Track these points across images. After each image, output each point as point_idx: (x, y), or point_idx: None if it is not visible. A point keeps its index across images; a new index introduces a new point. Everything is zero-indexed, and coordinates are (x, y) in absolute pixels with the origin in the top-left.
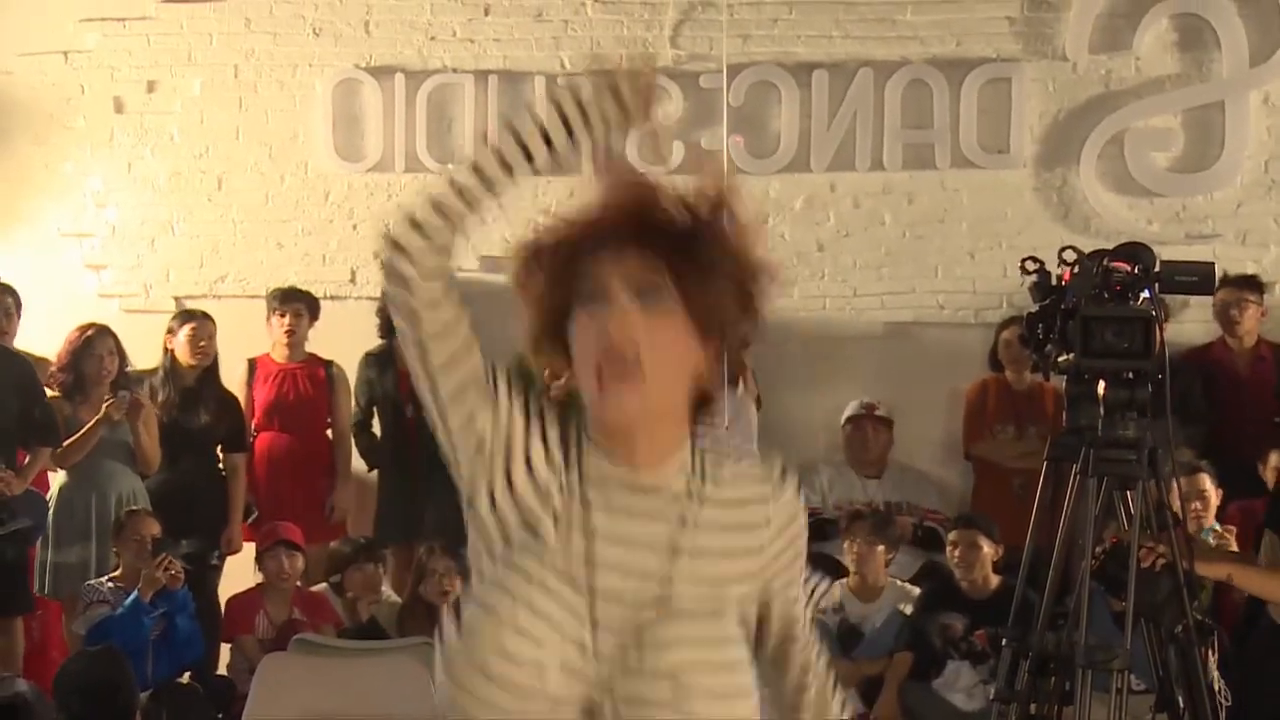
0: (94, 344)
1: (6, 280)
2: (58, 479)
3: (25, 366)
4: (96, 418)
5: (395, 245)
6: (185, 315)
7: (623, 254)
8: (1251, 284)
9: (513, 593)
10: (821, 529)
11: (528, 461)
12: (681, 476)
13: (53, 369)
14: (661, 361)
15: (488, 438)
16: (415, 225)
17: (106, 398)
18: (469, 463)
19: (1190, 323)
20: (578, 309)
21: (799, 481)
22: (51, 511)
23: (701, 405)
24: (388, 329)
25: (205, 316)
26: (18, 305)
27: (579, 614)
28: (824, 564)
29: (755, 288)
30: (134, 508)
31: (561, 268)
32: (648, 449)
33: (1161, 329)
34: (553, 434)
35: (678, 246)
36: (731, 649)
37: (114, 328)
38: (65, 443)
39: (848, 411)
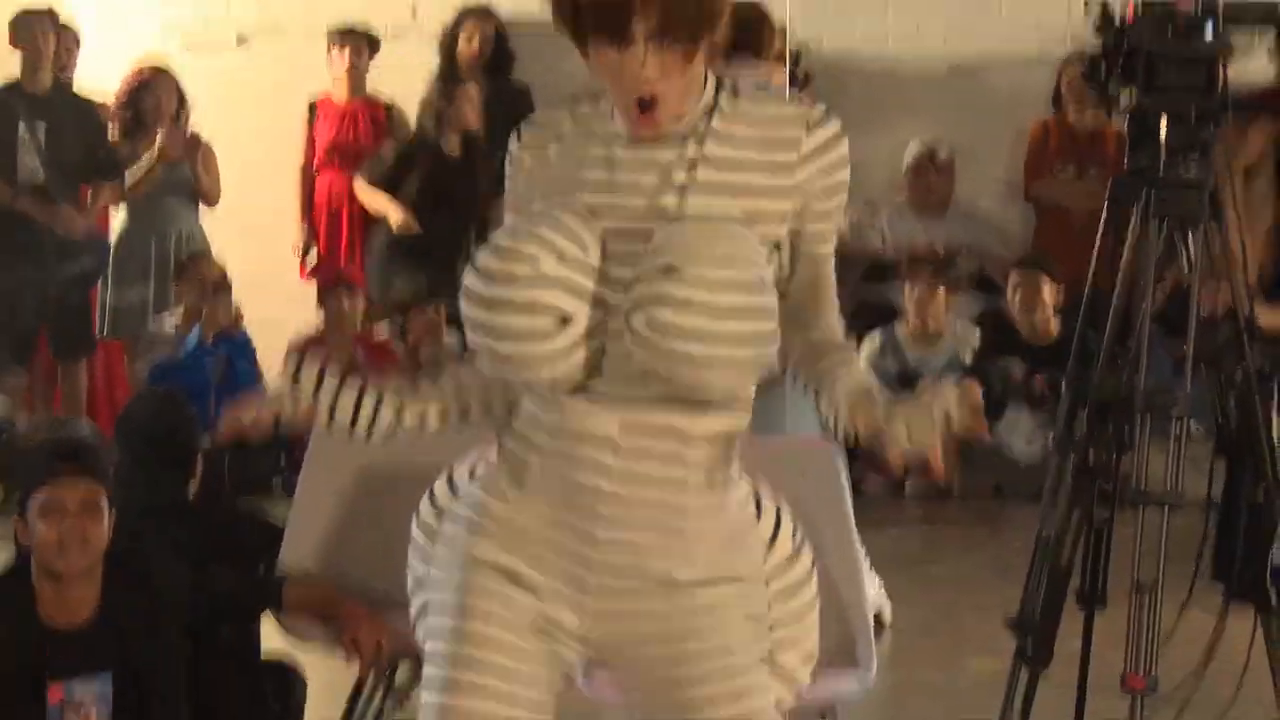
0: (152, 83)
1: (66, 14)
2: (119, 220)
3: (86, 106)
4: (153, 153)
5: None
6: None
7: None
8: None
9: (519, 213)
10: (880, 271)
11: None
12: (698, 117)
13: (112, 108)
14: (677, 88)
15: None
16: None
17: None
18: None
19: (1258, 61)
20: (593, 44)
21: (839, 129)
22: (112, 252)
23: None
24: (449, 70)
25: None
26: (77, 43)
27: (582, 220)
28: (880, 309)
29: None
30: (195, 249)
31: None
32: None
33: (1225, 66)
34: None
35: None
36: (730, 244)
37: (173, 62)
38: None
39: (909, 152)
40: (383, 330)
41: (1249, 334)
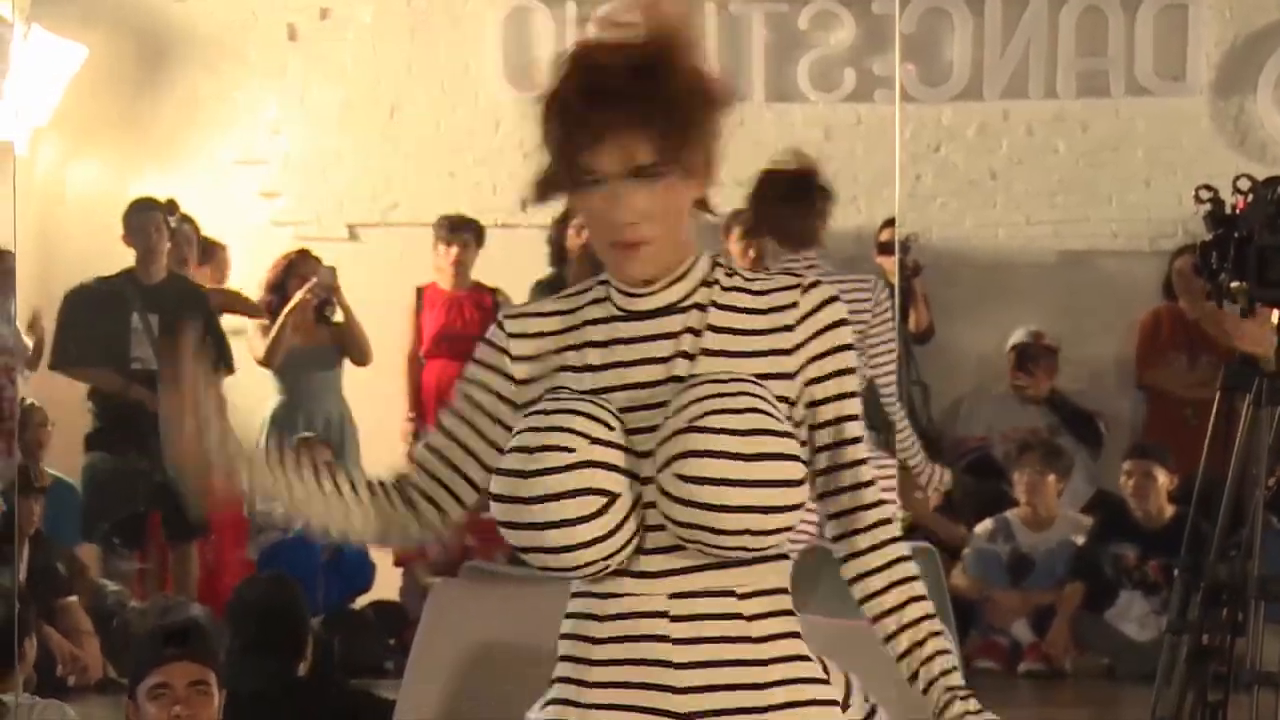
0: (296, 266)
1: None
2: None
3: (199, 295)
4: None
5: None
6: None
7: (614, 131)
8: None
9: (531, 412)
10: (987, 462)
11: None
12: (697, 289)
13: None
14: (661, 224)
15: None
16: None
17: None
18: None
19: None
20: (580, 187)
21: (833, 294)
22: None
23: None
24: (558, 257)
25: None
26: (198, 236)
27: (600, 403)
28: (994, 497)
29: (718, 109)
30: (306, 434)
31: (560, 145)
32: (661, 272)
33: None
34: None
35: (660, 117)
36: (749, 398)
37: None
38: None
39: (1013, 339)
40: None
41: None
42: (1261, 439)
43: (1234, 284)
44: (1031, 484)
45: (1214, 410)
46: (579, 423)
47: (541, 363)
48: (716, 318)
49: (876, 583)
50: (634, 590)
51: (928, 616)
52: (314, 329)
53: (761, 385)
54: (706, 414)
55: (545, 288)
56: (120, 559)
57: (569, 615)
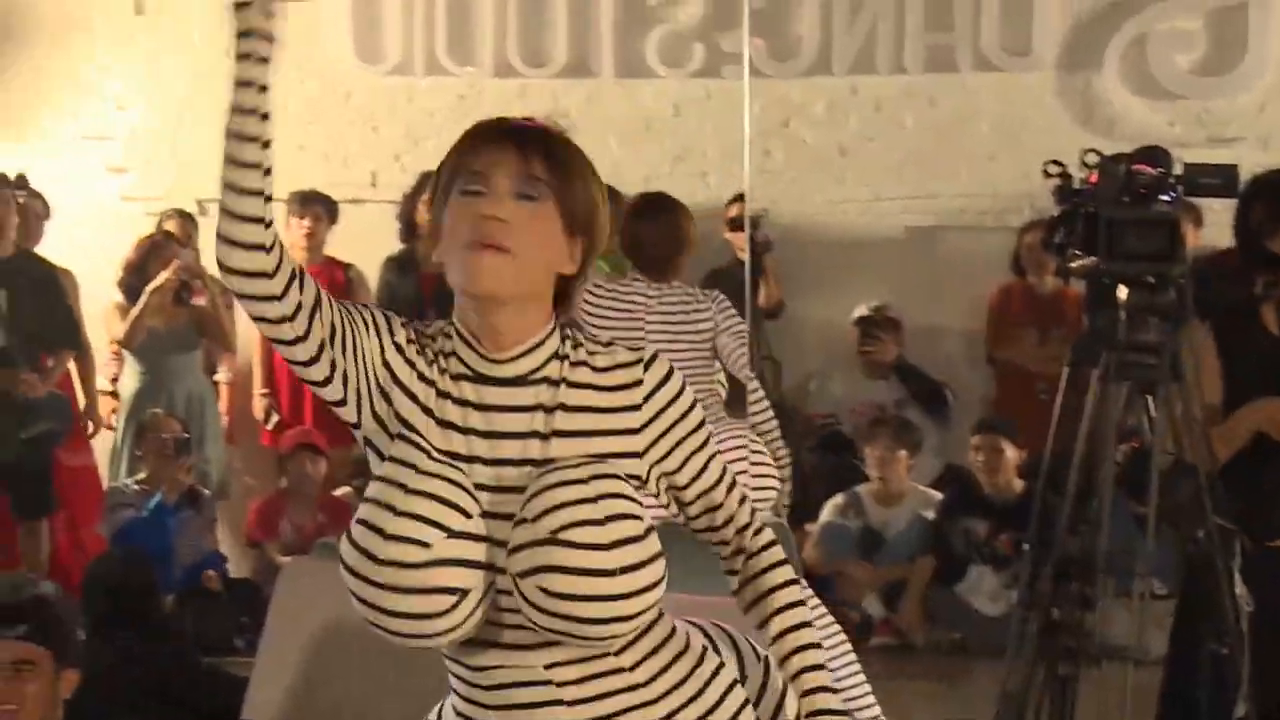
0: (158, 249)
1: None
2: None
3: (49, 273)
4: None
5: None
6: None
7: (502, 151)
8: None
9: (390, 478)
10: (837, 438)
11: (395, 380)
12: (548, 363)
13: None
14: (531, 244)
15: (360, 363)
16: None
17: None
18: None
19: (1212, 226)
20: (454, 198)
21: (670, 366)
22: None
23: (561, 300)
24: (409, 232)
25: None
26: (47, 211)
27: (459, 482)
28: (842, 472)
29: (600, 185)
30: (155, 409)
31: (451, 172)
32: (515, 331)
33: (1183, 231)
34: (419, 349)
35: (549, 151)
36: (611, 502)
37: (135, 231)
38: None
39: (855, 313)
40: (345, 491)
41: (1210, 493)
42: (1110, 414)
43: (1081, 260)
44: (882, 459)
45: (1062, 385)
46: (437, 511)
47: (406, 387)
48: (567, 395)
49: (763, 612)
50: (506, 663)
51: (805, 647)
52: (173, 311)
53: (613, 466)
54: (568, 526)
55: (396, 263)
56: None
57: (453, 682)
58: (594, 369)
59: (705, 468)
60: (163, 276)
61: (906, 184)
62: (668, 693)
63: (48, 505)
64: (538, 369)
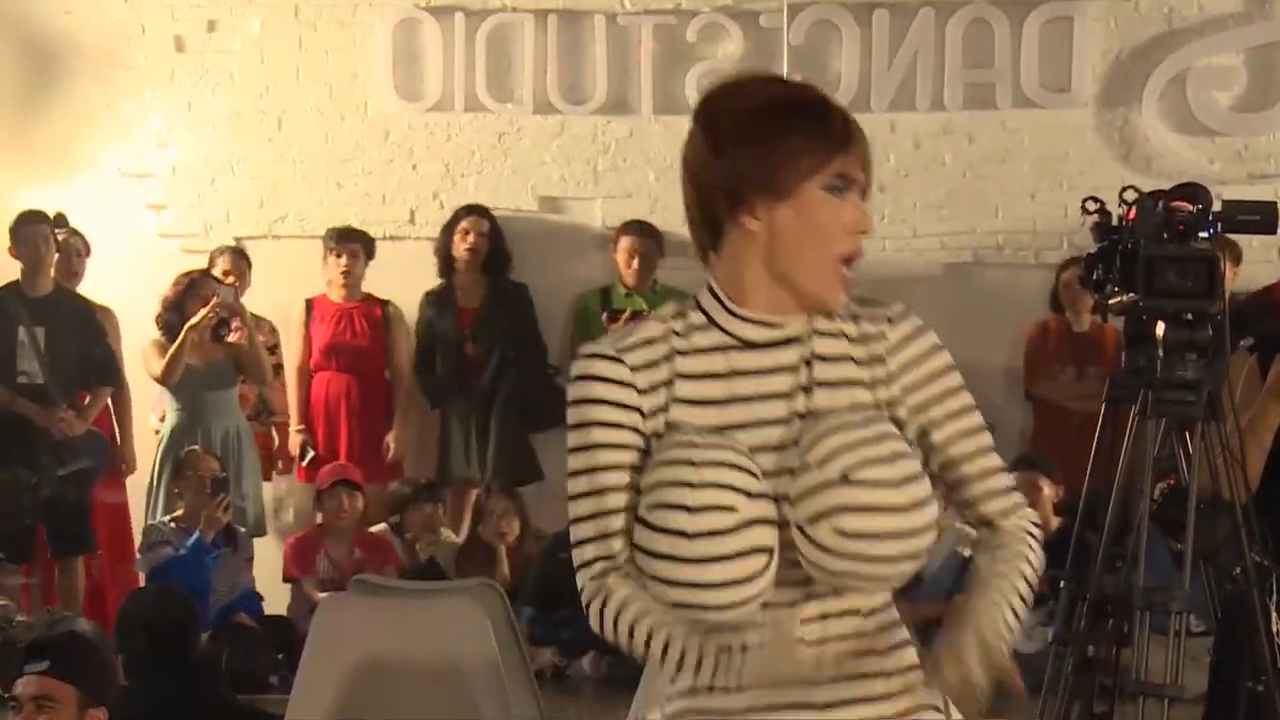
0: (196, 286)
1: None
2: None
3: (87, 308)
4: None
5: None
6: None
7: (856, 149)
8: None
9: (674, 459)
10: None
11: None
12: (804, 322)
13: (158, 312)
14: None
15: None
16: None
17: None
18: None
19: (1251, 263)
20: (817, 192)
21: (915, 317)
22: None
23: None
24: (446, 268)
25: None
26: (86, 249)
27: (738, 449)
28: None
29: None
30: (193, 447)
31: (807, 158)
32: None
33: (1222, 268)
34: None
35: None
36: (891, 441)
37: (174, 268)
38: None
39: None
40: (381, 527)
41: (1247, 531)
42: (1146, 451)
43: (1119, 297)
44: None
45: (1099, 422)
46: (733, 476)
47: (656, 395)
48: (821, 346)
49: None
50: (766, 621)
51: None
52: (211, 348)
53: (882, 418)
54: (857, 466)
55: (435, 299)
56: (6, 573)
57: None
58: (841, 318)
59: (959, 413)
60: (201, 314)
61: (945, 221)
62: (894, 647)
63: (86, 543)
64: (798, 328)
